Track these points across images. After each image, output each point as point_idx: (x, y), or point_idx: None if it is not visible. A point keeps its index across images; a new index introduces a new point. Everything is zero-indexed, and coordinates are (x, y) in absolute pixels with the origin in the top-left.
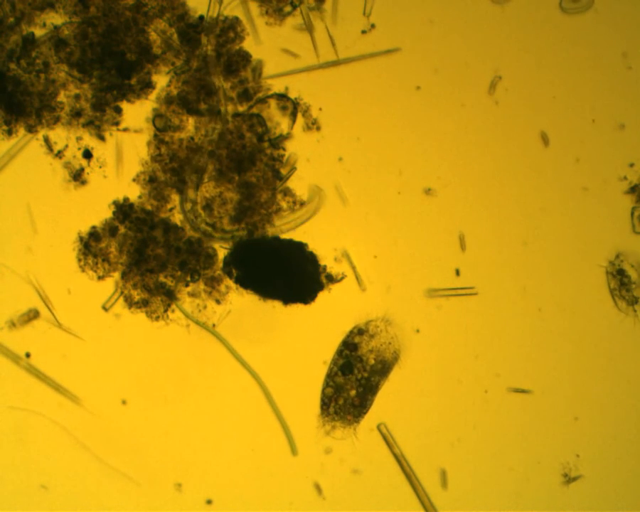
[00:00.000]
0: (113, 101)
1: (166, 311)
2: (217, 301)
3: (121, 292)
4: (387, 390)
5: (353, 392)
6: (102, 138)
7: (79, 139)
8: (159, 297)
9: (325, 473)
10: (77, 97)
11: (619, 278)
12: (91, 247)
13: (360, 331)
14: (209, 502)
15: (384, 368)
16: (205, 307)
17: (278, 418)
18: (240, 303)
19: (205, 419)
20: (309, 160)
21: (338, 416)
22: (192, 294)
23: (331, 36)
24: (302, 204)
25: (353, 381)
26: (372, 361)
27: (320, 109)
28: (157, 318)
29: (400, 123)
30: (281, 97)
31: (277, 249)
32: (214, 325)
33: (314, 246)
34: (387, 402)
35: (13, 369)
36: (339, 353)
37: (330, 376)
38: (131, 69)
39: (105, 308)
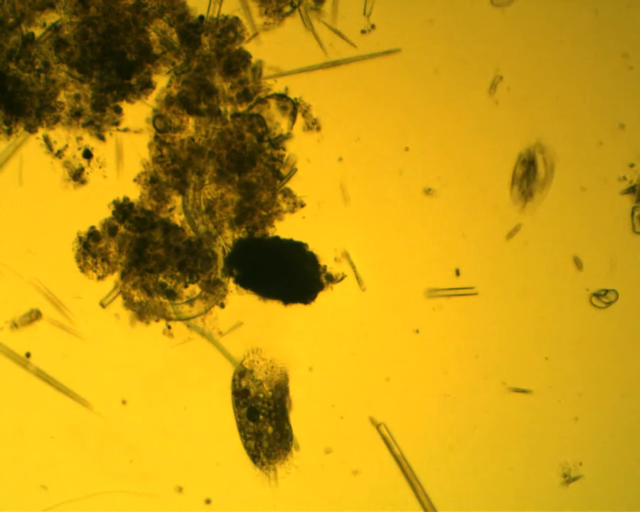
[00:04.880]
0: (113, 101)
1: (158, 320)
2: (221, 306)
3: (121, 292)
4: (387, 390)
5: (270, 430)
6: (102, 138)
7: (79, 139)
8: (158, 300)
9: (325, 473)
10: (77, 97)
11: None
12: (90, 247)
13: (241, 374)
14: (208, 502)
15: (281, 388)
16: (209, 312)
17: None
18: (240, 303)
19: (205, 418)
20: (309, 160)
21: (271, 458)
22: (192, 299)
23: (338, 31)
24: (302, 205)
25: (265, 420)
26: (269, 392)
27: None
28: (148, 323)
29: (399, 123)
30: (281, 97)
31: (277, 249)
32: (221, 333)
33: (314, 246)
34: (387, 402)
35: (14, 369)
36: (236, 404)
37: (243, 429)
38: (131, 69)
39: (103, 305)
